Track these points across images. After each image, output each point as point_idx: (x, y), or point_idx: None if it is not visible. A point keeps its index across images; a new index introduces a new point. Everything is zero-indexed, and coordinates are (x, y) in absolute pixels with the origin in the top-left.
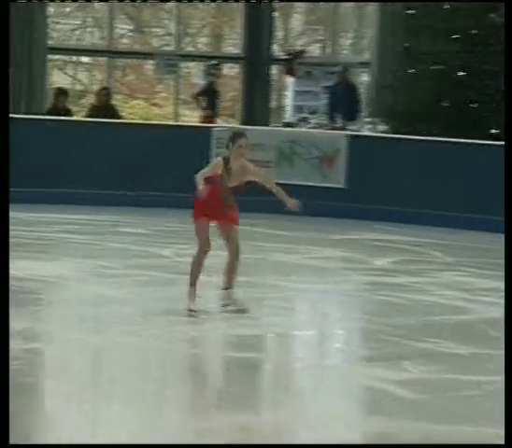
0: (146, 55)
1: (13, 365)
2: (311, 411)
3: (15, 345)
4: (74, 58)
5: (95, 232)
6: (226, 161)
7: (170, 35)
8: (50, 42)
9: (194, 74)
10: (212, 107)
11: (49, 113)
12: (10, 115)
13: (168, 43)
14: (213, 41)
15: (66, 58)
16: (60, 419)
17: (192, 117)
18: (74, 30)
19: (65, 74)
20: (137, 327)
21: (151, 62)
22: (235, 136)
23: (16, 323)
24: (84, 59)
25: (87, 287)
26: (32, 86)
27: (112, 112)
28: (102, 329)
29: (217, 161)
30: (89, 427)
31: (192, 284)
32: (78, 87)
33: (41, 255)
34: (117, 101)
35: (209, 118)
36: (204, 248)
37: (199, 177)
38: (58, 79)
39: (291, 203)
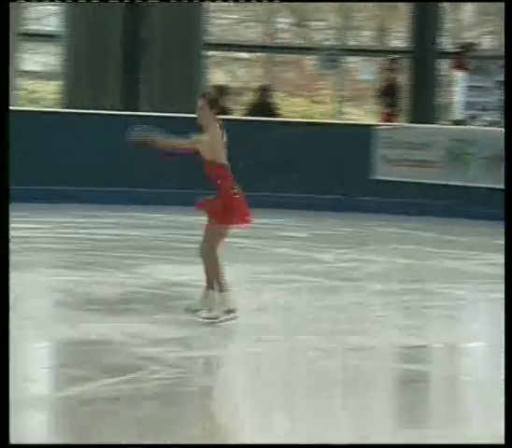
0: (307, 50)
1: (171, 373)
2: (483, 429)
3: (172, 353)
4: (233, 54)
5: (254, 236)
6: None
7: (333, 28)
8: (208, 38)
9: (358, 69)
10: (392, 105)
11: None
12: (165, 114)
13: (330, 37)
14: (378, 34)
15: (225, 54)
16: (220, 429)
17: (355, 114)
18: (233, 25)
19: (223, 70)
20: (296, 336)
21: (313, 57)
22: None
23: (171, 330)
24: (243, 55)
25: (245, 294)
26: (188, 83)
27: (271, 111)
28: (261, 338)
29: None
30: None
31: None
32: (237, 84)
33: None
34: (276, 99)
35: (390, 116)
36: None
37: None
38: (216, 76)
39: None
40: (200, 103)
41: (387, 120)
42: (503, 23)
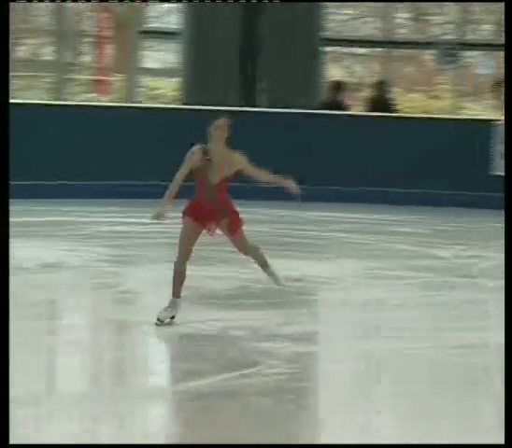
0: (425, 45)
1: (288, 368)
2: None
3: (289, 348)
4: (350, 49)
5: (370, 231)
6: (205, 150)
7: (451, 22)
8: (326, 33)
9: (477, 64)
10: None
11: (323, 106)
12: (282, 110)
13: (449, 31)
14: (497, 28)
15: (342, 49)
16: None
17: (473, 109)
18: (350, 20)
19: (341, 66)
20: (414, 333)
21: (431, 52)
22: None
23: (288, 325)
24: (360, 50)
25: (362, 289)
26: (306, 78)
27: (389, 106)
28: (375, 334)
29: (192, 150)
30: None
31: (175, 295)
32: (354, 79)
33: (317, 255)
34: (394, 94)
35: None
36: (182, 255)
37: (176, 179)
38: (333, 72)
39: (291, 186)
40: (222, 123)
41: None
42: None
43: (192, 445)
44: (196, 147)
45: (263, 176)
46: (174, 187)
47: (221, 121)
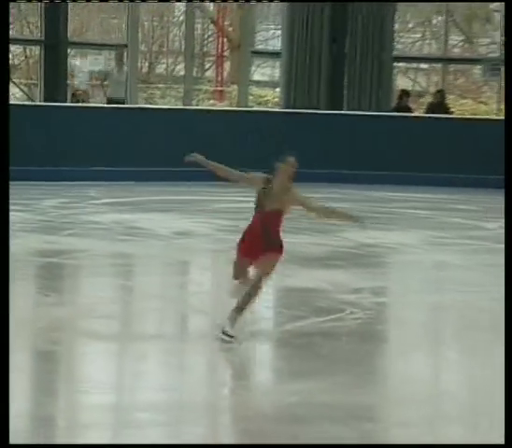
0: (474, 61)
1: (366, 314)
2: None
3: (367, 299)
4: (414, 65)
5: (434, 208)
6: (268, 180)
7: (495, 43)
8: (396, 52)
9: None
10: None
11: (394, 110)
12: (362, 112)
13: (494, 50)
14: None
15: (408, 65)
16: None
17: None
18: (415, 42)
19: (408, 77)
20: (473, 288)
21: (479, 67)
22: (285, 156)
23: (367, 281)
24: (423, 65)
25: (428, 253)
26: (380, 87)
27: (446, 109)
28: (441, 288)
29: (259, 175)
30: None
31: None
32: (418, 88)
33: (390, 226)
34: (450, 100)
35: None
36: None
37: (231, 170)
38: (401, 82)
39: (356, 220)
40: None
41: None
42: None
43: (192, 445)
44: (261, 175)
45: (329, 214)
46: (221, 169)
47: (292, 159)
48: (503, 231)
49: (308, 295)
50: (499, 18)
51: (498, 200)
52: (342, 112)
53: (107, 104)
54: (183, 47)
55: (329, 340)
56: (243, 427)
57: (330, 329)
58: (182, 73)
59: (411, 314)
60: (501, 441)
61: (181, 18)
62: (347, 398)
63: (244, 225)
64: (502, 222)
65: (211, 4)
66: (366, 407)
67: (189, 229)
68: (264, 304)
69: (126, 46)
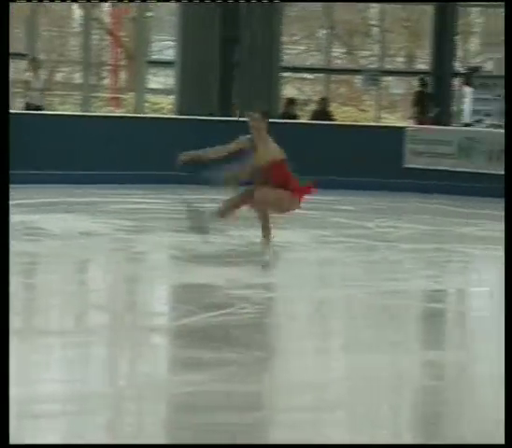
0: (355, 72)
1: (256, 309)
2: (487, 350)
3: (257, 294)
4: (300, 75)
5: (318, 208)
6: (250, 139)
7: (374, 55)
8: (283, 63)
9: (392, 85)
10: (422, 112)
11: (281, 117)
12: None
13: (372, 62)
14: (407, 59)
15: (295, 75)
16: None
17: (390, 119)
18: (301, 53)
19: (294, 87)
20: (355, 283)
21: (359, 77)
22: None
23: (258, 277)
24: (308, 75)
25: (314, 251)
26: (269, 96)
27: (329, 117)
28: (326, 284)
29: (242, 138)
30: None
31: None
32: (303, 97)
33: (279, 225)
34: (332, 108)
35: (421, 120)
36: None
37: (216, 149)
38: (288, 91)
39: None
40: (256, 117)
41: (420, 123)
42: (503, 51)
43: (192, 445)
44: (244, 137)
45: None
46: (213, 153)
47: (253, 114)
48: (381, 229)
49: (202, 291)
50: (377, 31)
51: (372, 200)
52: (233, 119)
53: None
54: (81, 56)
55: (221, 333)
56: (142, 417)
57: (222, 323)
58: (80, 81)
59: (299, 307)
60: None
61: (78, 29)
62: (240, 386)
63: (142, 224)
64: (379, 221)
65: (107, 16)
66: (258, 394)
67: (90, 229)
68: (160, 300)
69: (25, 55)
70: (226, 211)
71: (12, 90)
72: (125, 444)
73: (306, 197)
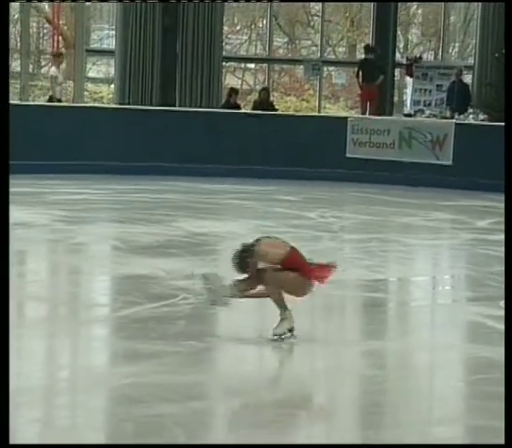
0: (297, 62)
1: (199, 299)
2: (427, 339)
3: (198, 285)
4: (242, 64)
5: (258, 199)
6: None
7: (315, 45)
8: (225, 52)
9: (334, 75)
10: (369, 80)
11: (223, 107)
12: (192, 108)
13: (314, 52)
14: (349, 50)
15: (236, 64)
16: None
17: (332, 109)
18: (242, 43)
19: (236, 76)
20: None
21: (301, 67)
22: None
23: (198, 268)
24: (250, 65)
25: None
26: (210, 86)
27: (270, 106)
28: None
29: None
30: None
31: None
32: (246, 87)
33: (220, 216)
34: (274, 98)
35: (368, 88)
36: None
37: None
38: (230, 81)
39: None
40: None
41: (366, 93)
42: (441, 42)
43: (192, 445)
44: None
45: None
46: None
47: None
48: (324, 220)
49: (143, 282)
50: (319, 22)
51: (314, 190)
52: (174, 109)
53: None
54: (19, 44)
55: (162, 324)
56: (80, 410)
57: (163, 314)
58: (18, 69)
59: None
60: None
61: (16, 16)
62: (179, 378)
63: (82, 215)
64: (320, 211)
65: (46, 3)
66: (195, 385)
67: (27, 219)
68: (100, 291)
69: None
70: (241, 293)
71: None
72: (125, 444)
73: (328, 278)
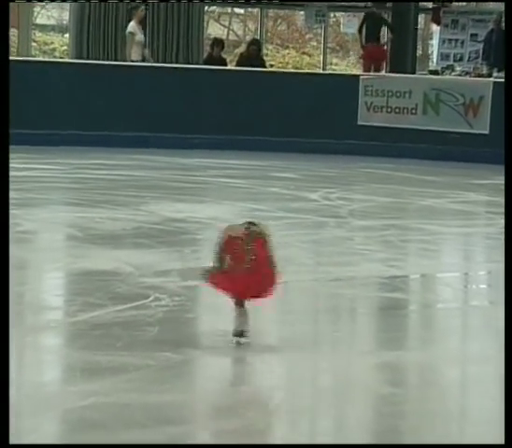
0: (296, 6)
1: (174, 301)
2: (456, 350)
3: (173, 283)
4: (228, 9)
5: (250, 176)
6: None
7: None
8: None
9: (343, 24)
10: (375, 38)
11: (205, 62)
12: (166, 64)
13: None
14: None
15: (221, 9)
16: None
17: (340, 65)
18: None
19: (221, 24)
20: (296, 268)
21: (302, 13)
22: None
23: (175, 262)
24: (238, 10)
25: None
26: (189, 36)
27: (260, 63)
28: None
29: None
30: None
31: None
32: (233, 37)
33: (201, 198)
34: (269, 51)
35: (375, 49)
36: None
37: None
38: (214, 30)
39: None
40: None
41: (370, 53)
42: None
43: (191, 445)
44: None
45: None
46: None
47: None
48: (329, 202)
49: (105, 279)
50: None
51: (318, 166)
52: (143, 64)
53: None
54: None
55: (129, 331)
56: (26, 439)
57: (131, 319)
58: None
59: (226, 298)
60: None
61: None
62: (148, 397)
63: (29, 196)
64: (324, 191)
65: None
66: (171, 406)
67: None
68: (52, 291)
69: None
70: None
71: None
72: (125, 444)
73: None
